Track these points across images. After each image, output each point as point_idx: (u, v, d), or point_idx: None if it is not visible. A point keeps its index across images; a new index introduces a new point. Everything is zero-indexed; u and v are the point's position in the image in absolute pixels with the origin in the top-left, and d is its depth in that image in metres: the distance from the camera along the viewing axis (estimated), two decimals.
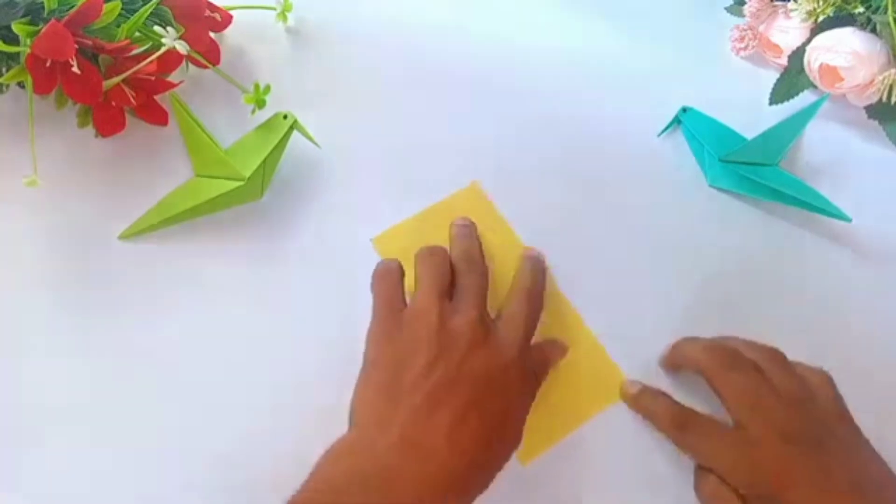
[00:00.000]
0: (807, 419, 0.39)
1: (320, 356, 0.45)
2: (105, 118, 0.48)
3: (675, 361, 0.44)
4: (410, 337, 0.40)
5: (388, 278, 0.43)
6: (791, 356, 0.43)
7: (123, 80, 0.46)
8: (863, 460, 0.39)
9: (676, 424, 0.41)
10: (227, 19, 0.51)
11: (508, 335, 0.41)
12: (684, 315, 0.47)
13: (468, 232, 0.47)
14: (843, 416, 0.41)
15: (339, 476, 0.36)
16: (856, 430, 0.41)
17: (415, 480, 0.35)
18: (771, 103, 0.52)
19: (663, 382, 0.45)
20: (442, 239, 0.46)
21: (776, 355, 0.42)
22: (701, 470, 0.41)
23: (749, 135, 0.52)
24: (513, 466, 0.40)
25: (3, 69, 0.46)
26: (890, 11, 0.47)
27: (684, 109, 0.53)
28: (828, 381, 0.42)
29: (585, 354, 0.45)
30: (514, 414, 0.39)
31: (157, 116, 0.50)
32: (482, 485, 0.38)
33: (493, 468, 0.38)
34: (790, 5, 0.51)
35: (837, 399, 0.42)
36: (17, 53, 0.44)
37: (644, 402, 0.44)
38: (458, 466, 0.36)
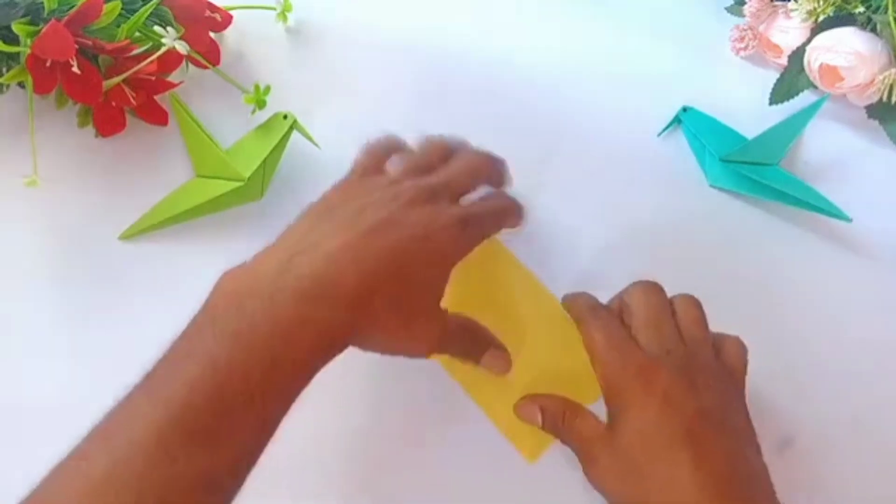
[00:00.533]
0: (672, 339, 0.39)
1: None
2: (105, 118, 0.48)
3: None
4: (359, 187, 0.39)
5: (374, 149, 0.42)
6: (790, 355, 0.43)
7: (123, 80, 0.46)
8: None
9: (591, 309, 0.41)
10: (227, 19, 0.51)
11: (456, 210, 0.38)
12: None
13: (488, 156, 0.45)
14: (704, 338, 0.41)
15: (225, 300, 0.35)
16: (711, 357, 0.40)
17: (293, 321, 0.33)
18: (771, 103, 0.52)
19: None
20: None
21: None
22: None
23: (749, 135, 0.52)
24: (521, 465, 0.39)
25: (4, 69, 0.46)
26: (890, 11, 0.47)
27: (684, 109, 0.53)
28: (695, 304, 0.42)
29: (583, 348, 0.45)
30: (434, 275, 0.37)
31: (157, 116, 0.50)
32: (370, 346, 0.37)
33: (384, 338, 0.37)
34: (790, 5, 0.51)
35: (701, 320, 0.41)
36: (18, 53, 0.44)
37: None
38: (350, 311, 0.34)
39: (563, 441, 0.41)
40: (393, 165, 0.41)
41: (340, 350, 0.35)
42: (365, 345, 0.37)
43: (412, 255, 0.36)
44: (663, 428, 0.37)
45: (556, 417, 0.41)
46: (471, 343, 0.41)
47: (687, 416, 0.37)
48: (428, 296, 0.37)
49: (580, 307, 0.42)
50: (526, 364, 0.43)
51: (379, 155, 0.42)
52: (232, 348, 0.33)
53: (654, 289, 0.41)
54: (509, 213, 0.42)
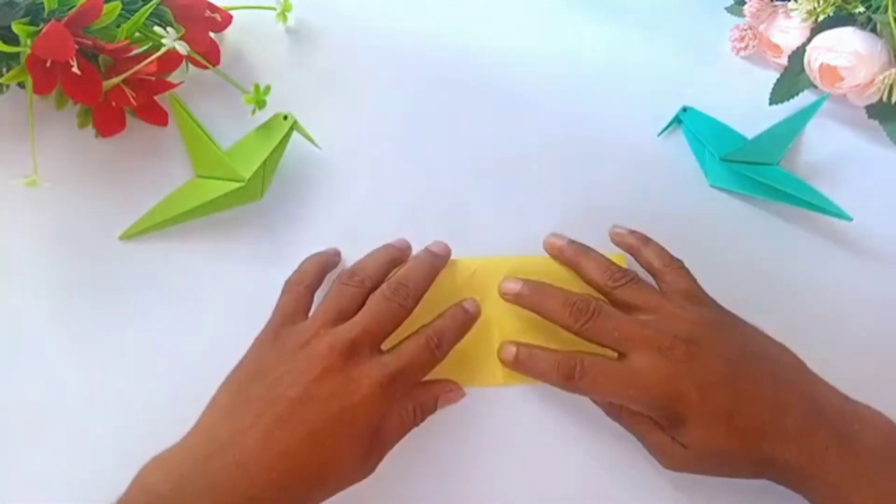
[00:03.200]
0: (672, 327, 0.40)
1: None
2: (105, 118, 0.48)
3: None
4: (277, 350, 0.39)
5: (295, 289, 0.43)
6: None
7: (123, 81, 0.46)
8: (734, 341, 0.41)
9: (564, 376, 0.41)
10: (227, 20, 0.51)
11: (376, 370, 0.38)
12: None
13: (428, 262, 0.44)
14: (701, 306, 0.42)
15: (161, 485, 0.35)
16: (716, 314, 0.42)
17: (234, 495, 0.35)
18: (771, 103, 0.52)
19: None
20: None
21: (619, 277, 0.43)
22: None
23: (749, 134, 0.52)
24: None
25: (4, 69, 0.46)
26: (890, 11, 0.47)
27: (684, 109, 0.53)
28: (678, 270, 0.44)
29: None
30: (352, 444, 0.37)
31: (158, 117, 0.50)
32: None
33: (319, 495, 0.37)
34: (790, 5, 0.51)
35: (689, 286, 0.43)
36: (18, 54, 0.44)
37: (524, 362, 0.43)
38: (282, 487, 0.35)
39: (625, 427, 0.43)
40: (313, 315, 0.41)
41: None
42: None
43: (328, 432, 0.36)
44: (715, 408, 0.39)
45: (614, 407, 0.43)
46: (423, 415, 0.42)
47: (725, 384, 0.39)
48: (351, 457, 0.38)
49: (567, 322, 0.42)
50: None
51: (302, 296, 0.42)
52: None
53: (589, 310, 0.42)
54: (434, 350, 0.41)
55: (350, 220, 0.49)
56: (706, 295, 0.43)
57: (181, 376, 0.45)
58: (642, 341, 0.40)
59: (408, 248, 0.46)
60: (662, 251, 0.45)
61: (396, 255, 0.45)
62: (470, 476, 0.44)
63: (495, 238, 0.49)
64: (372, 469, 0.39)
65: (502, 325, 0.46)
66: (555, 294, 0.43)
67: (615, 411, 0.43)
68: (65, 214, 0.48)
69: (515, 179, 0.51)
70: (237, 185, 0.47)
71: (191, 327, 0.46)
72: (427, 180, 0.50)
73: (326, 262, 0.45)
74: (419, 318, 0.43)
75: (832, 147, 0.53)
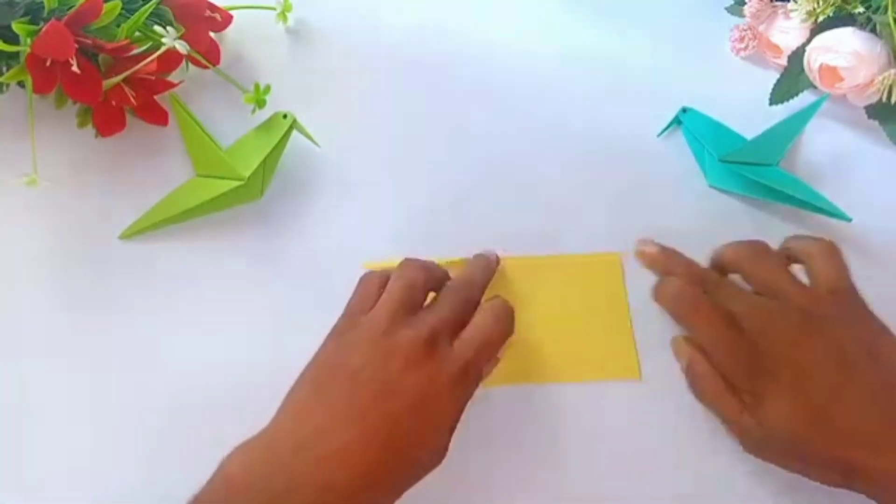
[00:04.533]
0: (784, 304, 0.40)
1: None
2: (105, 118, 0.48)
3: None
4: (353, 340, 0.39)
5: (365, 284, 0.42)
6: None
7: (123, 80, 0.46)
8: (859, 334, 0.39)
9: (684, 304, 0.41)
10: (227, 19, 0.51)
11: (455, 360, 0.38)
12: None
13: (486, 265, 0.45)
14: (839, 290, 0.41)
15: (244, 476, 0.35)
16: (849, 300, 0.41)
17: (318, 490, 0.34)
18: (771, 103, 0.52)
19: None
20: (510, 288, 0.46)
21: (766, 250, 0.43)
22: (692, 349, 0.42)
23: (749, 135, 0.52)
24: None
25: (3, 69, 0.46)
26: (890, 11, 0.47)
27: (684, 109, 0.53)
28: (828, 250, 0.42)
29: (613, 324, 0.46)
30: (435, 435, 0.37)
31: (157, 116, 0.50)
32: (390, 500, 0.37)
33: (401, 487, 0.37)
34: (790, 5, 0.51)
35: (838, 272, 0.42)
36: (17, 53, 0.44)
37: (655, 260, 0.44)
38: (364, 481, 0.35)
39: (703, 403, 0.42)
40: (384, 306, 0.40)
41: None
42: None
43: (411, 426, 0.36)
44: (807, 391, 0.37)
45: (699, 381, 0.42)
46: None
47: (830, 369, 0.37)
48: (433, 449, 0.38)
49: (675, 298, 0.42)
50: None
51: (375, 286, 0.42)
52: None
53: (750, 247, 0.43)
54: (503, 334, 0.41)
55: (350, 219, 0.49)
56: (848, 282, 0.42)
57: (181, 375, 0.45)
58: (759, 306, 0.40)
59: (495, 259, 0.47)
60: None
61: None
62: (475, 474, 0.44)
63: (496, 238, 0.49)
64: (436, 464, 0.39)
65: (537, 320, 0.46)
66: (681, 262, 0.44)
67: (700, 383, 0.42)
68: (64, 213, 0.48)
69: (516, 179, 0.51)
70: (237, 183, 0.47)
71: (191, 326, 0.46)
72: (427, 179, 0.50)
73: (382, 279, 0.44)
74: None
75: (832, 147, 0.53)
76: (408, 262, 0.42)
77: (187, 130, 0.50)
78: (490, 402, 0.44)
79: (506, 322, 0.41)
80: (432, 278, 0.42)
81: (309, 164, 0.50)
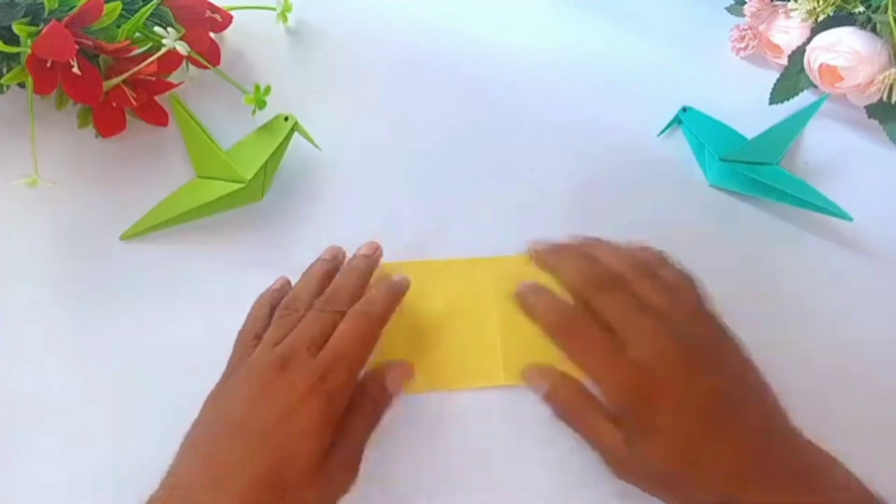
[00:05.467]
0: (673, 332, 0.38)
1: None
2: (105, 119, 0.48)
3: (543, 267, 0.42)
4: (226, 389, 0.40)
5: (242, 338, 0.42)
6: (790, 355, 0.43)
7: (124, 81, 0.46)
8: (727, 363, 0.39)
9: (554, 323, 0.40)
10: (227, 20, 0.51)
11: (312, 368, 0.38)
12: None
13: (359, 267, 0.44)
14: (706, 320, 0.40)
15: None
16: (720, 333, 0.40)
17: None
18: (771, 103, 0.52)
19: None
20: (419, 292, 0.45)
21: (640, 264, 0.41)
22: (554, 371, 0.41)
23: (749, 134, 0.52)
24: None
25: (4, 69, 0.46)
26: (890, 11, 0.47)
27: (684, 109, 0.53)
28: (691, 284, 0.42)
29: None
30: (306, 448, 0.36)
31: (158, 117, 0.50)
32: None
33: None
34: (790, 5, 0.51)
35: (700, 303, 0.41)
36: (18, 54, 0.44)
37: (523, 299, 0.41)
38: None
39: (573, 428, 0.40)
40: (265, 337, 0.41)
41: None
42: None
43: (275, 437, 0.36)
44: (685, 433, 0.36)
45: (568, 405, 0.40)
46: (374, 407, 0.41)
47: (709, 410, 0.37)
48: (305, 460, 0.36)
49: (551, 321, 0.40)
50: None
51: (249, 345, 0.41)
52: None
53: (609, 282, 0.40)
54: (366, 336, 0.40)
55: (350, 221, 0.49)
56: (714, 314, 0.41)
57: (181, 376, 0.45)
58: (645, 331, 0.38)
59: (339, 253, 0.45)
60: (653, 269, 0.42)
61: (328, 268, 0.44)
62: (471, 476, 0.44)
63: (496, 237, 0.49)
64: (347, 481, 0.38)
65: (501, 323, 0.46)
66: (577, 260, 0.42)
67: (572, 408, 0.41)
68: (65, 214, 0.48)
69: (516, 179, 0.51)
70: (238, 185, 0.47)
71: (191, 327, 0.46)
72: (427, 180, 0.50)
73: (272, 300, 0.44)
74: (403, 325, 0.43)
75: (832, 147, 0.53)
76: (277, 314, 0.42)
77: (188, 131, 0.50)
78: (476, 405, 0.45)
79: (369, 316, 0.40)
80: (300, 317, 0.41)
81: (309, 166, 0.50)
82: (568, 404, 0.41)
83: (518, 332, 0.45)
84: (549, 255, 0.43)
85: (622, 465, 0.38)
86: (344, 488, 0.38)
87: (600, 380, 0.39)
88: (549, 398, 0.41)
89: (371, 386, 0.41)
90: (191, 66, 0.50)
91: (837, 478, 0.37)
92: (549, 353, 0.45)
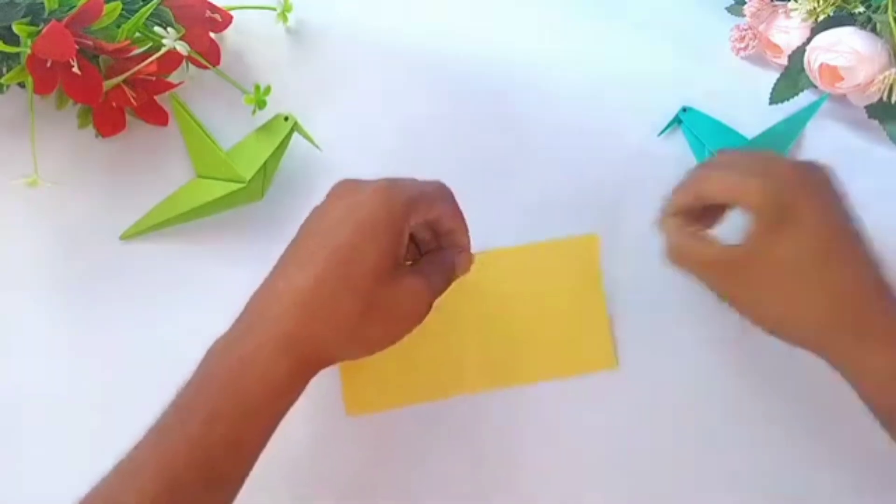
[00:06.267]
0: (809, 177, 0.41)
1: None
2: (105, 118, 0.48)
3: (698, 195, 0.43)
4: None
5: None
6: (790, 355, 0.43)
7: (124, 81, 0.46)
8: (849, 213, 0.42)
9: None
10: (227, 20, 0.51)
11: (380, 184, 0.40)
12: (684, 314, 0.47)
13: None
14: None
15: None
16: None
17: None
18: (771, 103, 0.52)
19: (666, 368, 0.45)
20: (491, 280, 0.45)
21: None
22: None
23: (749, 134, 0.52)
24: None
25: (4, 69, 0.46)
26: (890, 11, 0.47)
27: (684, 109, 0.53)
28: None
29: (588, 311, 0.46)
30: (374, 255, 0.38)
31: (158, 117, 0.50)
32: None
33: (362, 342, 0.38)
34: (790, 5, 0.51)
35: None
36: (18, 54, 0.44)
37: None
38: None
39: (690, 270, 0.42)
40: None
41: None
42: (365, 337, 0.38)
43: (344, 243, 0.37)
44: (831, 233, 0.39)
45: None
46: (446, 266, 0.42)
47: (844, 228, 0.40)
48: (377, 260, 0.38)
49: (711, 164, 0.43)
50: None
51: None
52: None
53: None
54: (440, 193, 0.42)
55: None
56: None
57: (181, 376, 0.45)
58: (787, 167, 0.41)
59: None
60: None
61: None
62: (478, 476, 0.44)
63: (496, 237, 0.49)
64: (414, 313, 0.39)
65: (481, 324, 0.45)
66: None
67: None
68: (65, 214, 0.48)
69: (516, 179, 0.51)
70: (238, 185, 0.47)
71: (191, 327, 0.46)
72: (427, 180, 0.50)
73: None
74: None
75: (832, 147, 0.52)
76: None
77: (188, 131, 0.50)
78: (475, 408, 0.45)
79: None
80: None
81: (309, 166, 0.50)
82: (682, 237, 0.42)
83: (497, 333, 0.45)
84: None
85: (745, 270, 0.40)
86: (409, 321, 0.39)
87: (752, 183, 0.39)
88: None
89: (437, 259, 0.42)
90: (191, 66, 0.50)
91: None
92: (527, 354, 0.45)
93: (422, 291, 0.39)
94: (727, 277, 0.41)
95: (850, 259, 0.39)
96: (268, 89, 0.49)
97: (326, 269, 0.37)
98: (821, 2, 0.49)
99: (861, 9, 0.48)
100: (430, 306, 0.39)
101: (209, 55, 0.50)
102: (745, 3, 0.53)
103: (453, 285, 0.43)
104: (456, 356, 0.45)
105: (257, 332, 0.37)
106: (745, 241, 0.40)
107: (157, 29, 0.45)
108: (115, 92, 0.46)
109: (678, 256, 0.42)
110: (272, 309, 0.37)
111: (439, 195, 0.41)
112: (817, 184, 0.40)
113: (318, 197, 0.50)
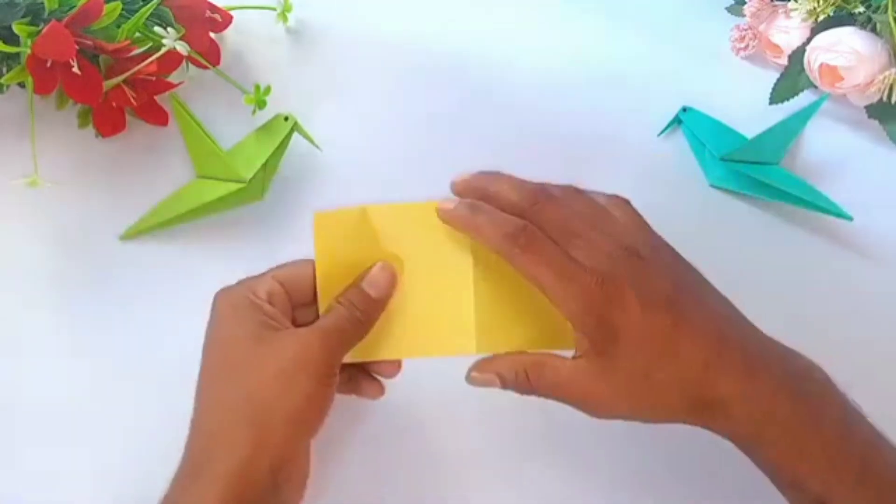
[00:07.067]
0: (623, 239, 0.37)
1: None
2: (105, 119, 0.48)
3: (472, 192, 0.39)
4: None
5: None
6: None
7: (124, 81, 0.46)
8: (679, 266, 0.39)
9: (509, 240, 0.36)
10: (227, 20, 0.51)
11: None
12: None
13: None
14: (647, 228, 0.40)
15: None
16: (660, 239, 0.39)
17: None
18: (771, 103, 0.52)
19: None
20: (391, 239, 0.41)
21: (567, 188, 0.40)
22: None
23: (749, 134, 0.52)
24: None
25: (4, 69, 0.46)
26: (890, 11, 0.47)
27: (684, 109, 0.53)
28: (624, 201, 0.41)
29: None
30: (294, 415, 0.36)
31: (158, 117, 0.50)
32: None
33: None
34: (790, 5, 0.51)
35: (635, 214, 0.40)
36: (18, 54, 0.44)
37: (463, 215, 0.38)
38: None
39: (541, 396, 0.38)
40: None
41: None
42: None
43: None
44: (655, 328, 0.35)
45: (518, 379, 0.38)
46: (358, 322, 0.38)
47: (670, 305, 0.36)
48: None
49: (500, 234, 0.36)
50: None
51: None
52: None
53: (545, 198, 0.38)
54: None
55: None
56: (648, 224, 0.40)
57: (181, 376, 0.45)
58: (595, 240, 0.37)
59: None
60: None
61: None
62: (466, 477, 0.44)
63: None
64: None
65: (477, 282, 0.39)
66: (508, 182, 0.39)
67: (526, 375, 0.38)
68: (65, 214, 0.48)
69: None
70: (238, 185, 0.47)
71: (191, 327, 0.46)
72: (427, 180, 0.50)
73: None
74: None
75: (832, 147, 0.53)
76: None
77: (188, 131, 0.50)
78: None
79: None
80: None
81: (309, 166, 0.50)
82: (517, 378, 0.38)
83: (490, 291, 0.39)
84: (475, 180, 0.40)
85: (598, 398, 0.36)
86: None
87: (558, 290, 0.35)
88: (503, 379, 0.38)
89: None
90: (191, 66, 0.50)
91: (802, 364, 0.38)
92: (531, 315, 0.40)
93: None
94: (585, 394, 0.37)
95: (690, 335, 0.35)
96: (268, 89, 0.49)
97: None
98: (821, 2, 0.49)
99: (861, 9, 0.48)
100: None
101: (209, 55, 0.50)
102: (745, 3, 0.53)
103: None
104: (454, 313, 0.39)
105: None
106: (582, 359, 0.36)
107: (157, 29, 0.45)
108: (115, 92, 0.46)
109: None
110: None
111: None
112: (626, 273, 0.36)
113: (319, 197, 0.50)
